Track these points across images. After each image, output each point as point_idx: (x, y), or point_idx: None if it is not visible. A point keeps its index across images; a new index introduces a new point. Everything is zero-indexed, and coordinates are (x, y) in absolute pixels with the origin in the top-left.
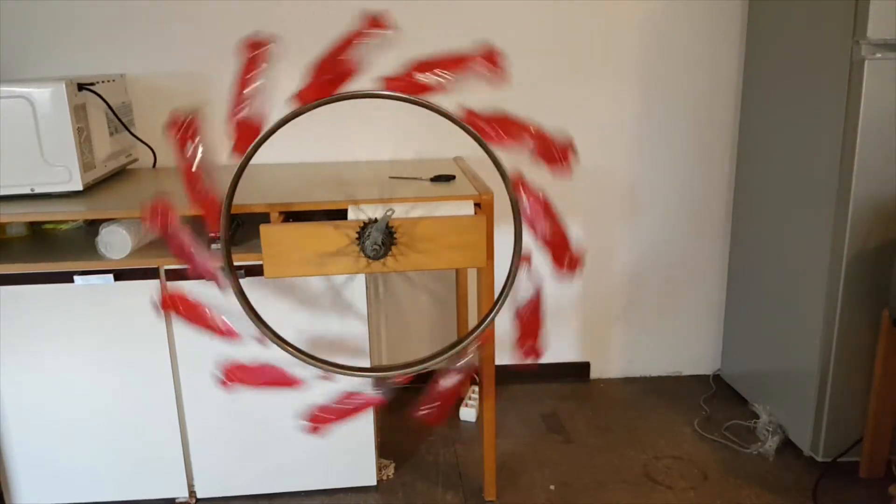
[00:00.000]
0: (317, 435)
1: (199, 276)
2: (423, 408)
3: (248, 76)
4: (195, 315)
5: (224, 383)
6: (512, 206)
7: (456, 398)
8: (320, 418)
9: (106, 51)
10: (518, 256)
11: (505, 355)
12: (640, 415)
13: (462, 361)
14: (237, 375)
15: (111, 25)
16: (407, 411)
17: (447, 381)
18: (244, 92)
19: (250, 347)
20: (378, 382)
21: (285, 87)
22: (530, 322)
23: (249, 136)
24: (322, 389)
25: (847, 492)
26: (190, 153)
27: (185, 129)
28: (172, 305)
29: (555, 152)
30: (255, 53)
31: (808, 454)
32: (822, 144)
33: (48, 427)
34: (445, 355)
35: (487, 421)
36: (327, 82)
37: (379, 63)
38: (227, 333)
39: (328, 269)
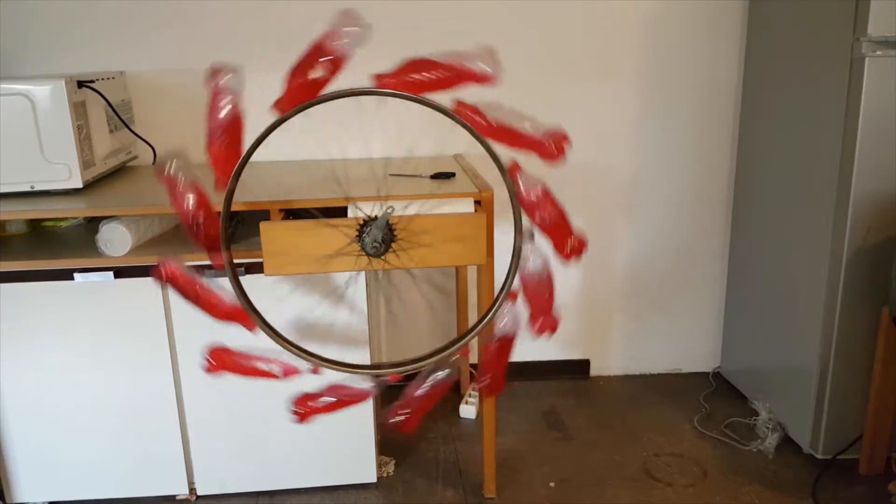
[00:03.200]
0: (301, 423)
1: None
2: (395, 414)
3: (216, 107)
4: (241, 370)
5: (209, 368)
6: (510, 195)
7: (430, 407)
8: (307, 407)
9: (105, 48)
10: (517, 257)
11: None
12: (639, 412)
13: (441, 374)
14: (222, 360)
15: (111, 23)
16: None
17: (420, 390)
18: (215, 124)
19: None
20: (372, 378)
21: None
22: (540, 296)
23: (227, 169)
24: (314, 380)
25: (847, 489)
26: (182, 195)
27: (173, 177)
28: (220, 365)
29: (548, 142)
30: (218, 84)
31: (808, 451)
32: (823, 142)
33: (48, 424)
34: (442, 355)
35: (487, 418)
36: (305, 86)
37: (377, 61)
38: (287, 373)
39: (328, 266)
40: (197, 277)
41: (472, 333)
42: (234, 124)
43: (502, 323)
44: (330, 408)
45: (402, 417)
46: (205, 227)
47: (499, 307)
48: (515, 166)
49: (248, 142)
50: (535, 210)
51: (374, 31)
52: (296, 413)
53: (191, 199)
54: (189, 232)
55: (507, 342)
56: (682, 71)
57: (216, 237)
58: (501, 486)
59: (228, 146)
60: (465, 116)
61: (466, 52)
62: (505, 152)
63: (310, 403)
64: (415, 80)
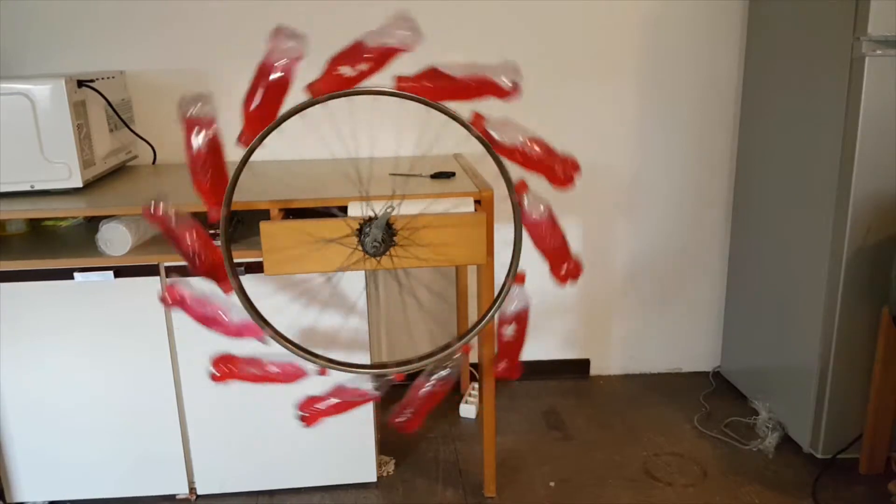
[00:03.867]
0: (308, 426)
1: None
2: (399, 413)
3: (191, 141)
4: (249, 377)
5: (216, 378)
6: (514, 210)
7: (433, 405)
8: (313, 410)
9: (105, 47)
10: (517, 256)
11: None
12: (639, 411)
13: (443, 372)
14: (229, 368)
15: (110, 22)
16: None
17: (423, 389)
18: (194, 158)
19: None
20: (375, 378)
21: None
22: (511, 344)
23: (217, 199)
24: (318, 382)
25: (847, 488)
26: (177, 231)
27: (165, 216)
28: (227, 374)
29: (559, 168)
30: (189, 116)
31: (808, 451)
32: (823, 141)
33: (48, 423)
34: (440, 354)
35: (487, 418)
36: (343, 77)
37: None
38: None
39: (328, 266)
40: (205, 298)
41: (477, 329)
42: (214, 152)
43: (513, 306)
44: (336, 409)
45: (407, 417)
46: (204, 257)
47: (500, 304)
48: (522, 185)
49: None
50: (536, 230)
51: (369, 27)
52: (302, 416)
53: (187, 236)
54: (190, 264)
55: (520, 326)
56: (683, 71)
57: (217, 265)
58: (501, 486)
59: (213, 175)
60: (481, 130)
61: (490, 64)
62: (514, 170)
63: (316, 406)
64: (436, 87)
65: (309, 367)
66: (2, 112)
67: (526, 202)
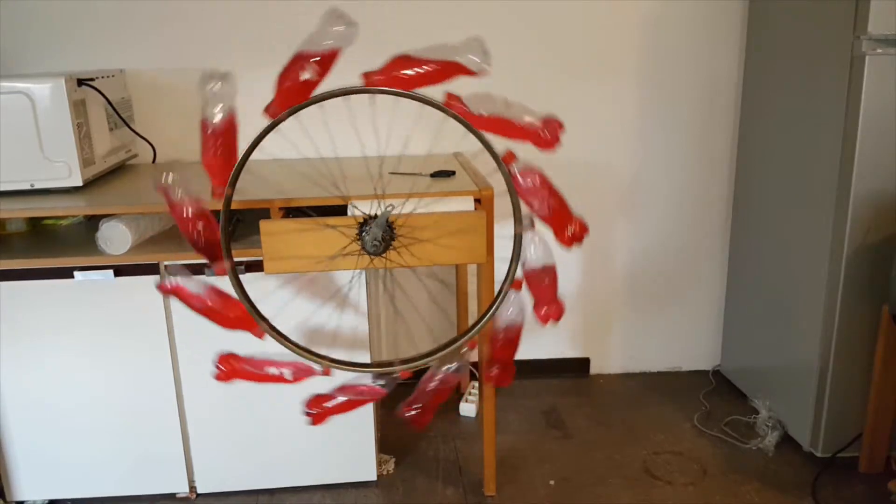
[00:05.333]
0: (316, 425)
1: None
2: (408, 410)
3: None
4: (253, 377)
5: (220, 376)
6: (507, 185)
7: (442, 401)
8: (321, 408)
9: (105, 46)
10: (518, 246)
11: None
12: (639, 410)
13: (451, 366)
14: (233, 367)
15: (110, 21)
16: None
17: (432, 384)
18: (209, 132)
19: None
20: (380, 376)
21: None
22: (504, 349)
23: (224, 177)
24: (324, 381)
25: (846, 487)
26: (180, 205)
27: (170, 187)
28: (231, 373)
29: (542, 130)
30: (209, 91)
31: (808, 450)
32: (823, 140)
33: (48, 422)
34: (446, 350)
35: (487, 416)
36: (295, 88)
37: (378, 60)
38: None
39: (328, 265)
40: (202, 288)
41: (482, 324)
42: (229, 131)
43: (508, 312)
44: (343, 407)
45: (415, 413)
46: (205, 234)
47: (503, 298)
48: (510, 155)
49: (242, 146)
50: (532, 198)
51: (373, 31)
52: (310, 415)
53: (189, 209)
54: (189, 241)
55: (514, 332)
56: (683, 70)
57: (217, 245)
58: (501, 485)
59: (223, 154)
60: (457, 109)
61: (455, 44)
62: (500, 143)
63: (324, 404)
64: (404, 76)
65: (313, 367)
66: (2, 111)
67: (517, 172)
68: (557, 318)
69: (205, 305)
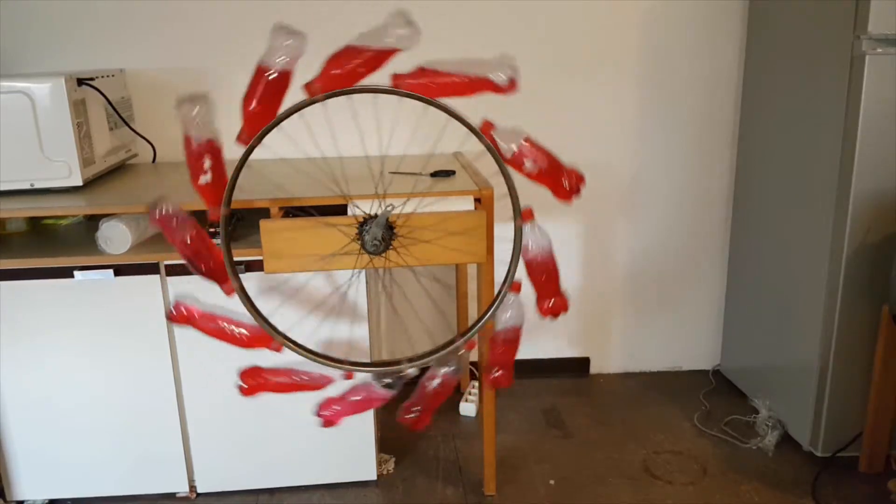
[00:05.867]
0: (329, 427)
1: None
2: (408, 412)
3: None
4: (278, 388)
5: (245, 391)
6: (495, 160)
7: (441, 401)
8: (333, 410)
9: (105, 46)
10: (518, 252)
11: None
12: (639, 410)
13: (450, 367)
14: (256, 380)
15: (110, 20)
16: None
17: (432, 385)
18: (194, 160)
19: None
20: (389, 376)
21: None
22: (505, 352)
23: (217, 198)
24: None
25: (846, 487)
26: (178, 232)
27: (166, 217)
28: (255, 386)
29: (564, 180)
30: (187, 119)
31: (808, 449)
32: (823, 140)
33: (48, 422)
34: (454, 346)
35: (487, 416)
36: (340, 75)
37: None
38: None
39: (328, 264)
40: (215, 312)
41: (480, 324)
42: (213, 151)
43: (507, 315)
44: (356, 408)
45: (415, 414)
46: (206, 259)
47: (504, 297)
48: (488, 125)
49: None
50: (521, 161)
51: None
52: (323, 417)
53: (188, 236)
54: (192, 267)
55: (514, 334)
56: (683, 70)
57: (221, 267)
58: (501, 484)
59: (213, 175)
60: (490, 139)
61: (485, 59)
62: (462, 105)
63: (335, 406)
64: (433, 84)
65: (334, 373)
66: (2, 110)
67: (499, 140)
68: (559, 312)
69: (219, 330)
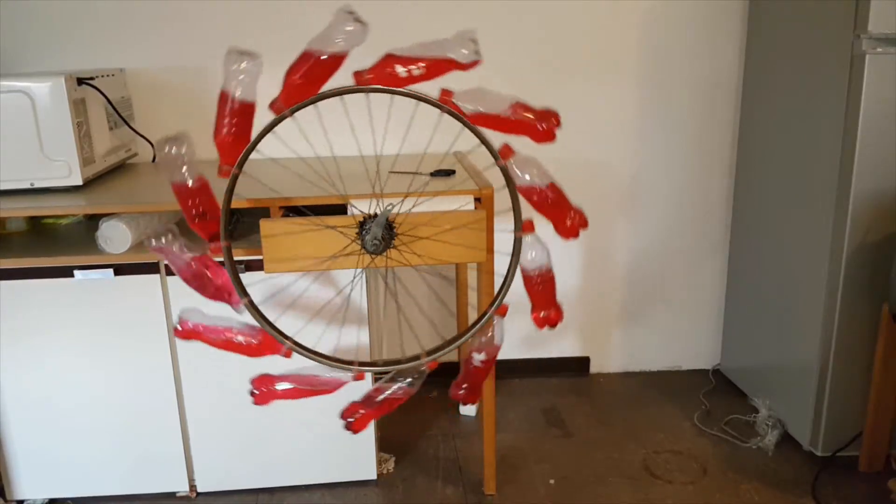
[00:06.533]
0: (356, 433)
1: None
2: (458, 388)
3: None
4: (292, 394)
5: (258, 400)
6: (506, 181)
7: (485, 377)
8: (360, 416)
9: (105, 45)
10: (515, 263)
11: (504, 350)
12: (639, 409)
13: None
14: (269, 388)
15: (110, 20)
16: (409, 405)
17: (472, 363)
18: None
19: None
20: (407, 373)
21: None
22: (477, 373)
23: (232, 157)
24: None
25: (846, 486)
26: (180, 260)
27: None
28: (269, 395)
29: (539, 123)
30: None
31: (808, 448)
32: (823, 139)
33: (48, 421)
34: (449, 347)
35: (487, 415)
36: (302, 84)
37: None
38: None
39: (328, 263)
40: (219, 323)
41: (479, 324)
42: (246, 111)
43: (487, 336)
44: (380, 411)
45: (464, 391)
46: (213, 278)
47: (500, 302)
48: (508, 150)
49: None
50: (531, 191)
51: (372, 31)
52: (348, 423)
53: (192, 263)
54: (202, 293)
55: (489, 357)
56: (683, 70)
57: (226, 286)
58: (501, 484)
59: (237, 133)
60: (452, 106)
61: (445, 40)
62: (496, 137)
63: (361, 411)
64: (396, 74)
65: (345, 375)
66: (2, 110)
67: (514, 167)
68: (555, 323)
69: (226, 342)
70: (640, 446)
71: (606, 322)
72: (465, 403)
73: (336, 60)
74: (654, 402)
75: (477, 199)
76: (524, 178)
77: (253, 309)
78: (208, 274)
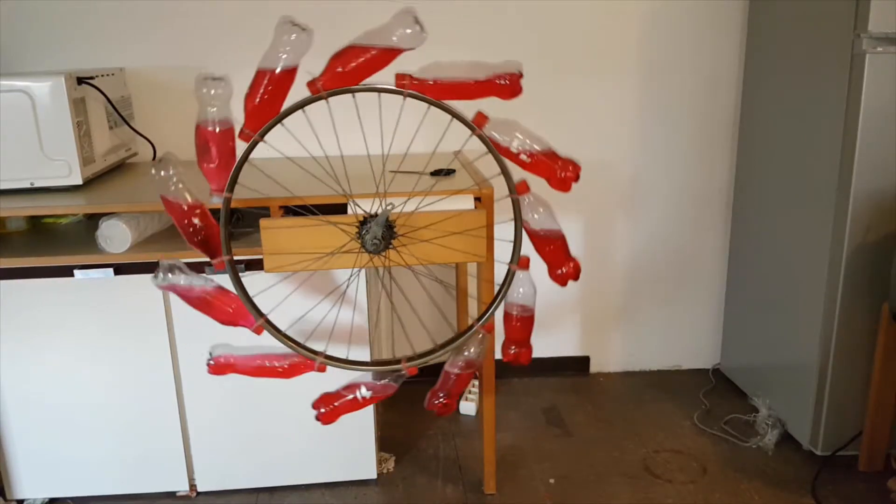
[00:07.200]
0: (326, 424)
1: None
2: (435, 397)
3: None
4: (350, 407)
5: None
6: (488, 149)
7: (465, 386)
8: (330, 408)
9: (105, 44)
10: (520, 226)
11: None
12: (639, 408)
13: (472, 352)
14: (332, 406)
15: (110, 19)
16: (409, 405)
17: (454, 372)
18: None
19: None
20: (387, 374)
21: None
22: (458, 383)
23: (221, 182)
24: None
25: (846, 485)
26: (188, 292)
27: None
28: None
29: (559, 170)
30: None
31: (808, 448)
32: (823, 138)
33: (48, 421)
34: (450, 346)
35: (487, 415)
36: (344, 73)
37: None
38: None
39: (328, 263)
40: (255, 357)
41: (479, 324)
42: (225, 136)
43: (469, 351)
44: (353, 405)
45: (442, 401)
46: (226, 305)
47: (500, 301)
48: (481, 118)
49: (241, 146)
50: (517, 151)
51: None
52: (320, 413)
53: (202, 295)
54: (215, 318)
55: (472, 369)
56: (683, 69)
57: (240, 310)
58: (501, 483)
59: (220, 159)
60: (411, 86)
61: (492, 63)
62: (467, 108)
63: (334, 403)
64: (438, 86)
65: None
66: (2, 109)
67: (492, 131)
68: (573, 277)
69: (263, 369)
70: (640, 445)
71: (606, 321)
72: (440, 414)
73: (385, 56)
74: (654, 401)
75: (477, 199)
76: (505, 139)
77: (272, 328)
78: (220, 303)
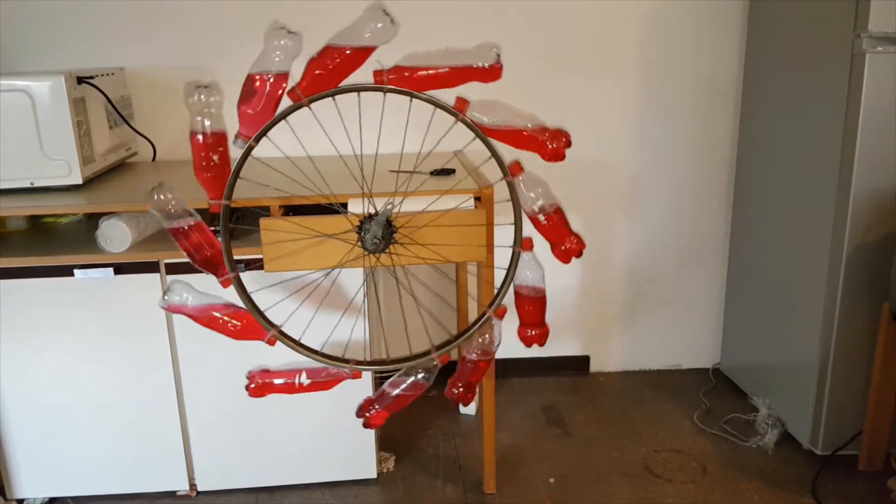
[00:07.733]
0: (372, 428)
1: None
2: (454, 388)
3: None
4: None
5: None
6: (512, 199)
7: (481, 376)
8: (375, 411)
9: (105, 44)
10: (519, 228)
11: (504, 349)
12: (639, 408)
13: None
14: (379, 415)
15: (110, 19)
16: (409, 404)
17: (469, 362)
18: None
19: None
20: (421, 369)
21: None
22: (474, 372)
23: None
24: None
25: (846, 485)
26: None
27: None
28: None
29: (549, 141)
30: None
31: (808, 447)
32: (823, 138)
33: (48, 420)
34: (467, 334)
35: (487, 414)
36: (324, 76)
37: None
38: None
39: (328, 262)
40: (291, 372)
41: (479, 323)
42: (219, 144)
43: (482, 339)
44: (395, 405)
45: (459, 391)
46: (238, 320)
47: (500, 301)
48: (517, 166)
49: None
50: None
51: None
52: (366, 419)
53: (213, 314)
54: (228, 335)
55: (487, 360)
56: (683, 69)
57: (253, 326)
58: (501, 482)
59: (216, 168)
60: (462, 109)
61: (468, 48)
62: (507, 151)
63: (375, 406)
64: (417, 77)
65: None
66: (2, 109)
67: (521, 184)
68: (576, 253)
69: (301, 387)
70: (640, 445)
71: (606, 321)
72: (458, 403)
73: (360, 55)
74: (654, 400)
75: (477, 198)
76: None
77: (287, 339)
78: (233, 320)
